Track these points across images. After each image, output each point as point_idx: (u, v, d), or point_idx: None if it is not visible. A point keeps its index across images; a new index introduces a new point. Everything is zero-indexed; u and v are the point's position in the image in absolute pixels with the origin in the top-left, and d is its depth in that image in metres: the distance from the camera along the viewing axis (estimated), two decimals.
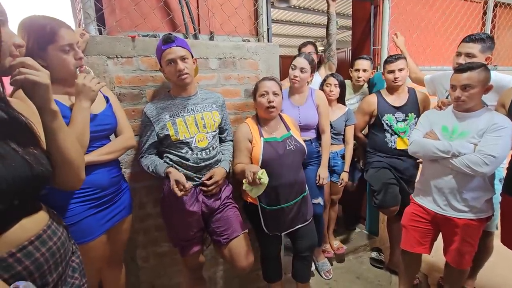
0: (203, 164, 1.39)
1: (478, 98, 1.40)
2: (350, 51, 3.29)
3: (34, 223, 0.70)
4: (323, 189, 1.97)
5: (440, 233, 1.59)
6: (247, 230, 1.49)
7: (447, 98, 1.72)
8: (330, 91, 2.01)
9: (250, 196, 1.39)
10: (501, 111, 1.47)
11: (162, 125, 1.35)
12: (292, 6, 4.63)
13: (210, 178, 1.39)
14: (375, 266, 2.25)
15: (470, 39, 1.60)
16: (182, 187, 1.25)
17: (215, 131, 1.46)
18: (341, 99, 2.10)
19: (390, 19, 2.31)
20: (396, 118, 1.95)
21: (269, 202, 1.47)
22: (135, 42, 1.42)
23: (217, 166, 1.44)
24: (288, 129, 1.57)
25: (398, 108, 1.95)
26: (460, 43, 1.66)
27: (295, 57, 1.83)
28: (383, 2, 2.29)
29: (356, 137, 2.16)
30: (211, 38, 1.69)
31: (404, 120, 1.95)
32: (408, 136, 1.93)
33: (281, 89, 1.54)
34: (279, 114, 1.61)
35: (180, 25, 1.61)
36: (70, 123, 0.99)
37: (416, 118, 1.92)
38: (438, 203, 1.49)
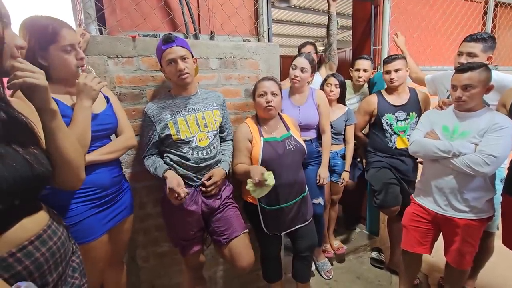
0: (203, 164, 1.39)
1: (479, 98, 1.40)
2: (351, 51, 3.29)
3: (35, 223, 0.70)
4: (324, 189, 1.97)
5: (441, 233, 1.59)
6: (247, 230, 1.49)
7: (448, 98, 1.72)
8: (331, 91, 2.01)
9: (250, 196, 1.39)
10: (502, 111, 1.46)
11: (164, 124, 1.35)
12: (293, 6, 4.63)
13: (210, 178, 1.39)
14: (376, 266, 2.25)
15: (471, 38, 1.60)
16: (176, 195, 1.24)
17: (216, 130, 1.46)
18: (341, 99, 2.10)
19: (390, 19, 2.31)
20: (396, 117, 1.95)
21: (269, 202, 1.47)
22: (135, 42, 1.42)
23: (217, 166, 1.44)
24: (287, 129, 1.57)
25: (399, 107, 1.95)
26: (462, 42, 1.65)
27: (295, 57, 1.84)
28: (383, 2, 2.29)
29: (356, 137, 2.16)
30: (212, 38, 1.69)
31: (405, 119, 1.94)
32: (408, 135, 1.93)
33: (280, 89, 1.54)
34: (279, 114, 1.61)
35: (180, 25, 1.61)
36: (72, 122, 0.99)
37: (417, 118, 1.91)
38: (439, 203, 1.49)
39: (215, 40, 1.68)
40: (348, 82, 2.23)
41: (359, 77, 2.16)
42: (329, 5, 2.14)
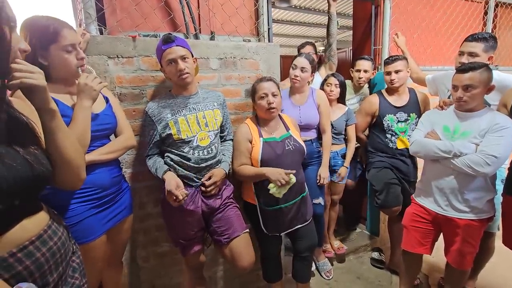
0: (204, 164, 1.39)
1: (480, 98, 1.40)
2: (351, 51, 3.29)
3: (35, 223, 0.70)
4: (324, 189, 1.97)
5: (441, 233, 1.59)
6: (248, 230, 1.49)
7: (448, 98, 1.72)
8: (331, 91, 2.01)
9: (251, 196, 1.39)
10: (503, 111, 1.46)
11: (164, 124, 1.35)
12: (293, 6, 4.64)
13: (209, 178, 1.39)
14: (376, 266, 2.25)
15: (473, 38, 1.60)
16: (175, 197, 1.24)
17: (217, 130, 1.45)
18: (341, 99, 2.10)
19: (391, 19, 2.31)
20: (397, 118, 1.94)
21: (268, 202, 1.47)
22: (135, 42, 1.42)
23: (217, 166, 1.44)
24: (287, 129, 1.57)
25: (400, 108, 1.95)
26: (463, 42, 1.65)
27: (295, 57, 1.84)
28: (384, 2, 2.29)
29: (358, 139, 2.16)
30: (212, 38, 1.69)
31: (405, 120, 1.94)
32: (408, 136, 1.93)
33: (279, 88, 1.54)
34: (279, 114, 1.61)
35: (180, 25, 1.61)
36: (72, 122, 0.99)
37: (417, 119, 1.91)
38: (439, 203, 1.49)
39: (216, 40, 1.68)
40: (348, 82, 2.23)
41: (359, 78, 2.16)
42: (329, 5, 2.14)
